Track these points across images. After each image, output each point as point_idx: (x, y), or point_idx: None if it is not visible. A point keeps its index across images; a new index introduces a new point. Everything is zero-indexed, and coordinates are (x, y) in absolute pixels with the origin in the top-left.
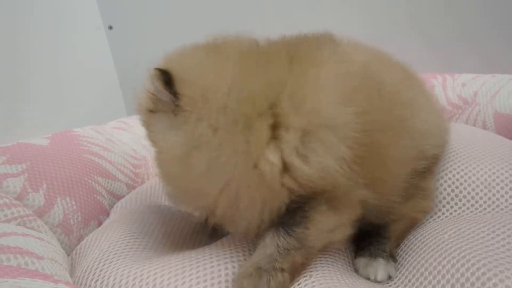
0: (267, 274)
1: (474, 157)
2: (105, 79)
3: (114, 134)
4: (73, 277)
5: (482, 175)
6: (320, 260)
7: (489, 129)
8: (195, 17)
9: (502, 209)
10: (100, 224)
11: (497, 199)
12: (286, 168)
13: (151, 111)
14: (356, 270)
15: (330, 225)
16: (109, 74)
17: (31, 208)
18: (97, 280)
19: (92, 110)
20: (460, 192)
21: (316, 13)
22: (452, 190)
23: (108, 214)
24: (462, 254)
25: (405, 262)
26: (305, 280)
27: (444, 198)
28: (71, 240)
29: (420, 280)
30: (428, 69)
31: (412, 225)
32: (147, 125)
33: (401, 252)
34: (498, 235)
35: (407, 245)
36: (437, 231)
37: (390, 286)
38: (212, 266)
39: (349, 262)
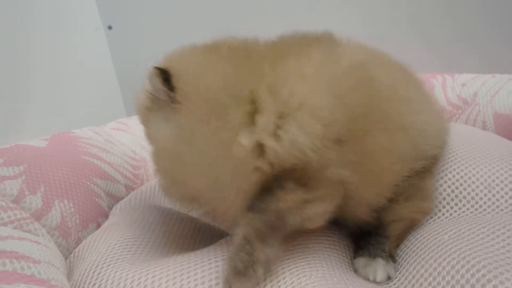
0: (244, 273)
1: (474, 158)
2: (104, 79)
3: (113, 135)
4: (70, 280)
5: (482, 176)
6: (320, 261)
7: (488, 129)
8: (195, 17)
9: (502, 209)
10: (98, 226)
11: (497, 199)
12: (258, 150)
13: (149, 109)
14: (356, 270)
15: (297, 200)
16: (109, 74)
17: (28, 211)
18: (94, 284)
19: (92, 110)
20: (460, 192)
21: (316, 13)
22: (452, 191)
23: (107, 216)
24: (462, 255)
25: (405, 263)
26: (305, 280)
27: (444, 198)
28: (69, 243)
29: (420, 281)
30: (428, 69)
31: (412, 225)
32: (145, 122)
33: (401, 252)
34: (498, 236)
35: (407, 246)
36: (437, 231)
37: (389, 286)
38: (210, 268)
39: (348, 262)
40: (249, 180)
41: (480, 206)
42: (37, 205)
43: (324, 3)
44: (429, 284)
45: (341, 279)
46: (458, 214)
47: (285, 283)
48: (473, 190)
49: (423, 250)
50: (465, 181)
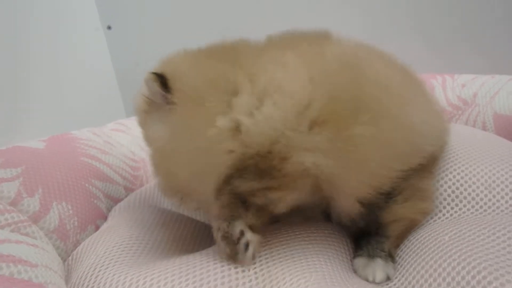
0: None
1: (474, 158)
2: (103, 79)
3: (112, 136)
4: (68, 283)
5: (482, 176)
6: (320, 261)
7: (488, 130)
8: (194, 17)
9: (502, 210)
10: (97, 228)
11: (497, 200)
12: (233, 132)
13: (146, 112)
14: (355, 271)
15: (259, 187)
16: (108, 74)
17: (26, 214)
18: (92, 287)
19: (91, 111)
20: (461, 193)
21: (316, 13)
22: (453, 191)
23: (105, 218)
24: (463, 257)
25: (405, 263)
26: (306, 281)
27: (445, 199)
28: (67, 246)
29: (420, 282)
30: (428, 69)
31: (412, 226)
32: (142, 125)
33: (401, 252)
34: (498, 237)
35: (407, 246)
36: (437, 232)
37: (389, 287)
38: (209, 271)
39: (349, 262)
40: (223, 163)
41: (481, 207)
42: (34, 208)
43: (324, 3)
44: (430, 285)
45: (342, 280)
46: (459, 215)
47: (284, 284)
48: (473, 191)
49: (423, 250)
50: (466, 182)
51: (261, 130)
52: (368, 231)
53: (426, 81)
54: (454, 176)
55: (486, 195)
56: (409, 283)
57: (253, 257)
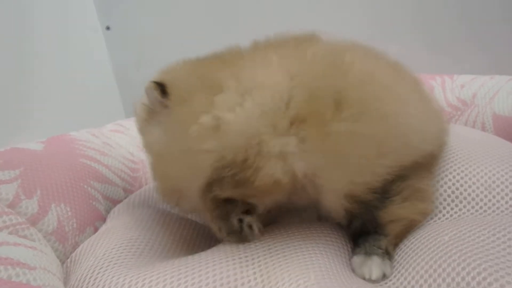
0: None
1: (474, 159)
2: (102, 80)
3: (111, 137)
4: (67, 286)
5: (482, 177)
6: (319, 261)
7: (488, 130)
8: (194, 17)
9: (502, 211)
10: (96, 230)
11: (497, 201)
12: (213, 130)
13: (145, 120)
14: (353, 270)
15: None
16: (107, 75)
17: (24, 216)
18: None
19: (90, 112)
20: (461, 193)
21: (316, 13)
22: (453, 192)
23: (104, 220)
24: (463, 257)
25: (404, 262)
26: (305, 282)
27: (445, 199)
28: (66, 248)
29: (420, 282)
30: (429, 69)
31: (412, 226)
32: (142, 132)
33: (400, 252)
34: (498, 238)
35: (407, 245)
36: (437, 232)
37: (388, 286)
38: (208, 272)
39: (348, 262)
40: (204, 163)
41: (481, 208)
42: (33, 210)
43: (324, 3)
44: (429, 285)
45: (342, 280)
46: (459, 215)
47: (284, 284)
48: (473, 191)
49: (423, 250)
50: (466, 182)
51: (240, 128)
52: (367, 231)
53: (425, 82)
54: (454, 177)
55: (486, 196)
56: (408, 282)
57: (261, 232)
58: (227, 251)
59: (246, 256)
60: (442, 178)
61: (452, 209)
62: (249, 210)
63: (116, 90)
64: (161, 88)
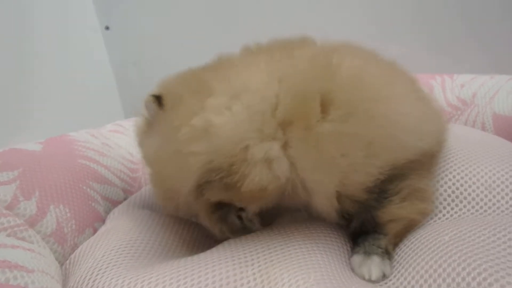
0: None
1: (474, 159)
2: (102, 80)
3: (110, 138)
4: (66, 287)
5: (482, 176)
6: (319, 260)
7: (488, 130)
8: (193, 17)
9: (502, 211)
10: (95, 231)
11: (498, 201)
12: (203, 131)
13: (145, 132)
14: (352, 270)
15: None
16: (106, 75)
17: (23, 217)
18: None
19: (89, 112)
20: (461, 193)
21: (316, 13)
22: (453, 191)
23: (103, 221)
24: (463, 258)
25: (404, 262)
26: (304, 282)
27: (445, 199)
28: (65, 249)
29: (420, 282)
30: (429, 68)
31: (411, 225)
32: (141, 145)
33: (400, 251)
34: (499, 238)
35: (407, 245)
36: (437, 232)
37: (388, 286)
38: (207, 274)
39: (347, 261)
40: (194, 166)
41: (481, 207)
42: (31, 211)
43: (324, 3)
44: (429, 286)
45: (341, 280)
46: (459, 215)
47: (283, 284)
48: (473, 191)
49: (423, 250)
50: (466, 182)
51: (228, 132)
52: (366, 231)
53: (425, 82)
54: (454, 176)
55: (486, 196)
56: (408, 283)
57: (261, 223)
58: (226, 252)
59: (245, 257)
60: (442, 178)
61: (452, 209)
62: (242, 208)
63: (115, 90)
64: (159, 100)
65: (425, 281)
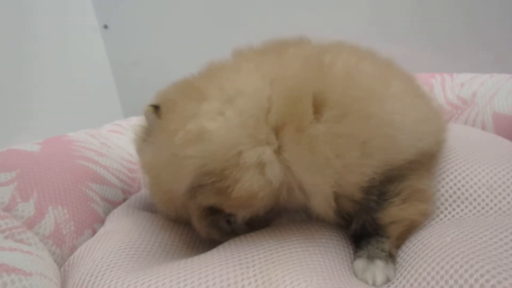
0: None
1: (475, 158)
2: (100, 80)
3: (109, 138)
4: None
5: (483, 177)
6: (321, 263)
7: (488, 129)
8: (193, 16)
9: (504, 211)
10: (94, 232)
11: (499, 201)
12: (197, 135)
13: (144, 140)
14: (355, 274)
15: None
16: (105, 74)
17: (21, 219)
18: None
19: (88, 112)
20: (462, 194)
21: (316, 13)
22: (454, 192)
23: (102, 222)
24: (465, 259)
25: (406, 264)
26: (307, 285)
27: (446, 200)
28: (63, 251)
29: (422, 284)
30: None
31: (413, 226)
32: (140, 153)
33: (402, 253)
34: (501, 239)
35: (409, 247)
36: (439, 233)
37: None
38: (207, 275)
39: (349, 265)
40: (186, 168)
41: (483, 208)
42: (29, 213)
43: (324, 3)
44: None
45: (343, 283)
46: (460, 216)
47: (285, 287)
48: (475, 191)
49: (425, 252)
50: (467, 182)
51: (221, 138)
52: (367, 233)
53: (425, 80)
54: (455, 177)
55: (487, 196)
56: (411, 285)
57: (256, 226)
58: (227, 253)
59: (246, 258)
60: (443, 179)
61: (454, 209)
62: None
63: (115, 90)
64: (157, 110)
65: (428, 283)
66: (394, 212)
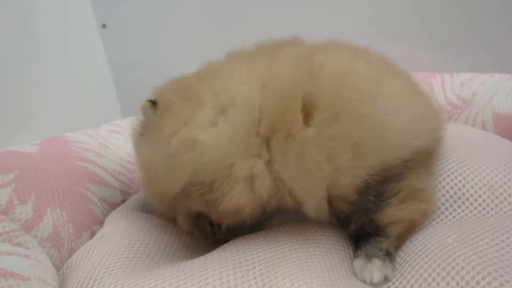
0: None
1: (475, 159)
2: (99, 79)
3: (108, 138)
4: None
5: (484, 177)
6: (321, 264)
7: (488, 129)
8: (192, 14)
9: (505, 212)
10: (93, 234)
11: (500, 202)
12: (189, 143)
13: (141, 134)
14: (355, 275)
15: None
16: (103, 74)
17: (18, 222)
18: None
19: (86, 112)
20: (463, 194)
21: (316, 13)
22: (455, 192)
23: (101, 224)
24: (467, 261)
25: (407, 265)
26: (307, 287)
27: (447, 200)
28: (61, 254)
29: (423, 286)
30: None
31: (413, 226)
32: (136, 147)
33: (402, 253)
34: (502, 241)
35: (409, 247)
36: (440, 234)
37: None
38: (207, 278)
39: (349, 266)
40: (178, 174)
41: (484, 209)
42: (27, 215)
43: (324, 3)
44: None
45: (343, 284)
46: (461, 217)
47: None
48: (476, 192)
49: (426, 252)
50: (468, 183)
51: (211, 151)
52: (367, 233)
53: (425, 80)
54: (456, 177)
55: (488, 196)
56: (412, 286)
57: (230, 232)
58: (227, 256)
59: (246, 260)
60: (444, 179)
61: (454, 210)
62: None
63: (113, 90)
64: (154, 105)
65: (428, 284)
66: (393, 213)
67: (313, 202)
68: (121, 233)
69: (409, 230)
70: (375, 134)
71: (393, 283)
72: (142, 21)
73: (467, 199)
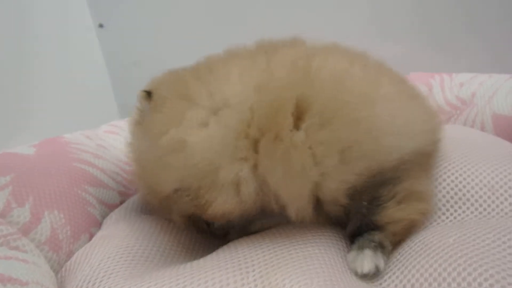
0: None
1: (476, 159)
2: (96, 80)
3: (105, 139)
4: None
5: (485, 177)
6: (321, 264)
7: (487, 130)
8: (191, 14)
9: (506, 213)
10: (91, 236)
11: (501, 202)
12: (179, 145)
13: (138, 123)
14: (349, 268)
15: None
16: (101, 74)
17: (16, 225)
18: None
19: (84, 112)
20: (464, 195)
21: (316, 13)
22: (455, 193)
23: (99, 226)
24: (468, 262)
25: (408, 263)
26: (307, 287)
27: (448, 201)
28: (60, 257)
29: (424, 285)
30: (428, 68)
31: (413, 226)
32: (132, 135)
33: (405, 253)
34: (504, 242)
35: (410, 247)
36: (441, 234)
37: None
38: (207, 281)
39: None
40: (169, 176)
41: (484, 209)
42: (25, 218)
43: (324, 3)
44: None
45: (344, 284)
46: (462, 218)
47: None
48: (476, 193)
49: (427, 252)
50: (468, 183)
51: (201, 152)
52: (365, 230)
53: (424, 81)
54: (456, 178)
55: (489, 197)
56: (412, 285)
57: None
58: (226, 258)
59: (246, 262)
60: (445, 180)
61: (455, 211)
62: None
63: (111, 90)
64: (149, 96)
65: (429, 284)
66: (391, 214)
67: (297, 205)
68: (119, 236)
69: (409, 229)
70: (371, 137)
71: (393, 281)
72: (140, 21)
73: (468, 199)
